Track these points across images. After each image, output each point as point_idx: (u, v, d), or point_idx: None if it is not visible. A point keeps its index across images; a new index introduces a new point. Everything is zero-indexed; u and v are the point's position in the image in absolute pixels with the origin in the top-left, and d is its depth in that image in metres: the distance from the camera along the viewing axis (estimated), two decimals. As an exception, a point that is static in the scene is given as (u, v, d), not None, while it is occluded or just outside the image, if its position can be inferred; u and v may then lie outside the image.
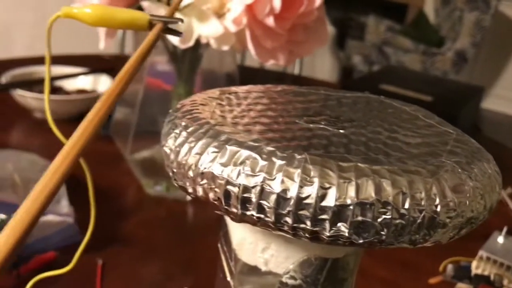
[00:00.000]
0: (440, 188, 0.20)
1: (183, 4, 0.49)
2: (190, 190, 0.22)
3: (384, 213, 0.19)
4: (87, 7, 0.25)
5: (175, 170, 0.23)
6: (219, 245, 0.27)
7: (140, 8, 0.54)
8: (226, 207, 0.21)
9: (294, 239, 0.21)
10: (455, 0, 2.69)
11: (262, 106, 0.26)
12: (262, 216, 0.20)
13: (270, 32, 0.51)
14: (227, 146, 0.21)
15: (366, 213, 0.19)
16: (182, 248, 0.53)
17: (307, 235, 0.20)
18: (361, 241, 0.20)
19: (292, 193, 0.19)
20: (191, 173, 0.21)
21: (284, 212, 0.20)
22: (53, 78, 0.82)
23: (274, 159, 0.20)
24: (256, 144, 0.21)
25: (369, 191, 0.19)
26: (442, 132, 0.25)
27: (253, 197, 0.20)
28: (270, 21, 0.50)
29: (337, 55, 2.95)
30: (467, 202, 0.21)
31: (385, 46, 2.73)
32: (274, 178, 0.20)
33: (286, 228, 0.20)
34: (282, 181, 0.19)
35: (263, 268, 0.24)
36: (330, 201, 0.19)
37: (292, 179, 0.19)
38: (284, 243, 0.23)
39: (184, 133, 0.23)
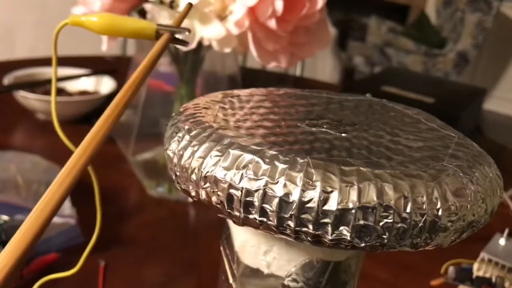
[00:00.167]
0: (441, 192, 0.20)
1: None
2: (193, 193, 0.22)
3: (386, 217, 0.19)
4: (94, 15, 0.25)
5: (178, 174, 0.23)
6: (221, 248, 0.28)
7: (143, 10, 0.54)
8: (228, 210, 0.21)
9: (296, 242, 0.21)
10: (456, 1, 2.69)
11: (264, 109, 0.26)
12: (264, 219, 0.20)
13: (272, 34, 0.51)
14: (230, 150, 0.21)
15: (368, 217, 0.19)
16: (184, 250, 0.53)
17: (309, 238, 0.20)
18: (363, 244, 0.20)
19: (294, 197, 0.19)
20: (194, 177, 0.22)
21: (287, 215, 0.20)
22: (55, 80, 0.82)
23: (276, 163, 0.20)
24: (259, 148, 0.21)
25: (371, 195, 0.19)
26: (444, 136, 0.25)
27: (256, 200, 0.20)
28: (272, 23, 0.50)
29: (338, 56, 2.95)
30: (469, 206, 0.21)
31: (386, 47, 2.73)
32: (277, 182, 0.20)
33: (288, 231, 0.20)
34: (285, 185, 0.20)
35: (265, 271, 0.25)
36: (332, 205, 0.19)
37: (294, 183, 0.20)
38: (286, 246, 0.24)
39: (187, 137, 0.23)
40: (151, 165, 0.66)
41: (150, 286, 0.49)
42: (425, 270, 0.53)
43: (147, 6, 0.52)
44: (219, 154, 0.21)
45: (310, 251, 0.23)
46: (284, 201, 0.20)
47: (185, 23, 0.50)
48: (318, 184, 0.19)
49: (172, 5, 0.50)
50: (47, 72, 0.84)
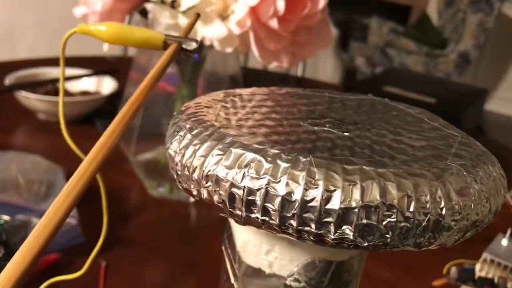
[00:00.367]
0: (445, 191, 0.20)
1: (187, 6, 0.49)
2: (194, 192, 0.22)
3: (389, 216, 0.19)
4: (102, 24, 0.26)
5: (179, 173, 0.23)
6: (223, 247, 0.27)
7: (144, 10, 0.54)
8: (230, 209, 0.21)
9: (298, 241, 0.21)
10: (458, 2, 2.69)
11: (266, 108, 0.26)
12: (266, 218, 0.20)
13: (273, 34, 0.51)
14: (232, 148, 0.21)
15: (371, 216, 0.19)
16: (186, 250, 0.53)
17: (311, 238, 0.20)
18: (365, 244, 0.20)
19: (296, 196, 0.19)
20: (195, 176, 0.21)
21: (289, 215, 0.20)
22: (56, 80, 0.82)
23: (279, 161, 0.20)
24: (261, 147, 0.21)
25: (374, 194, 0.19)
26: (447, 135, 0.25)
27: (258, 199, 0.20)
28: (273, 23, 0.50)
29: (340, 57, 2.95)
30: (472, 205, 0.21)
31: (388, 47, 2.73)
32: (279, 181, 0.20)
33: (290, 231, 0.20)
34: (287, 184, 0.19)
35: (267, 271, 0.24)
36: (335, 204, 0.19)
37: (297, 181, 0.19)
38: (288, 246, 0.23)
39: (188, 136, 0.23)
40: (152, 165, 0.66)
41: (151, 286, 0.49)
42: (428, 270, 0.53)
43: (149, 6, 0.52)
44: (221, 153, 0.21)
45: (313, 250, 0.23)
46: (286, 200, 0.19)
47: (187, 23, 0.50)
48: (320, 183, 0.19)
49: (173, 5, 0.50)
50: (48, 72, 0.84)
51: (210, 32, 0.50)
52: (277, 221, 0.20)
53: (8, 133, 0.74)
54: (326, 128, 0.24)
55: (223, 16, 0.50)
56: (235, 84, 0.65)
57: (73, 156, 0.33)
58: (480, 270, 0.51)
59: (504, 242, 0.53)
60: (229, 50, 0.51)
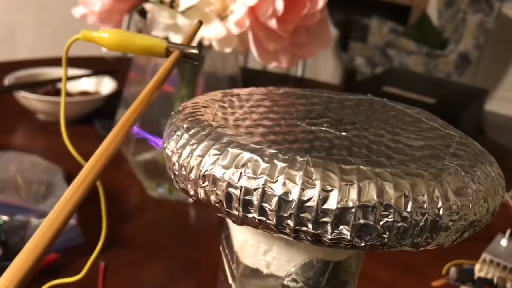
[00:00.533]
0: (442, 191, 0.20)
1: (185, 5, 0.49)
2: (191, 192, 0.22)
3: (386, 216, 0.19)
4: (105, 31, 0.26)
5: (176, 173, 0.23)
6: (220, 248, 0.27)
7: (143, 10, 0.54)
8: (227, 209, 0.21)
9: (296, 242, 0.20)
10: (458, 2, 2.69)
11: (264, 108, 0.26)
12: (263, 218, 0.20)
13: (272, 34, 0.51)
14: (228, 148, 0.21)
15: (368, 216, 0.19)
16: (185, 250, 0.53)
17: (308, 238, 0.20)
18: (363, 244, 0.20)
19: (293, 196, 0.19)
20: (192, 176, 0.21)
21: (286, 214, 0.19)
22: (56, 80, 0.82)
23: (276, 161, 0.20)
24: (258, 147, 0.21)
25: (371, 194, 0.19)
26: (445, 135, 0.25)
27: (255, 199, 0.20)
28: (272, 23, 0.50)
29: (340, 57, 2.95)
30: (470, 205, 0.21)
31: (388, 48, 2.73)
32: (276, 181, 0.20)
33: (287, 230, 0.20)
34: (284, 184, 0.19)
35: (265, 271, 0.24)
36: (332, 203, 0.19)
37: (294, 181, 0.19)
38: (286, 246, 0.23)
39: (185, 135, 0.22)
40: (151, 166, 0.66)
41: (150, 286, 0.48)
42: (427, 271, 0.53)
43: (148, 6, 0.52)
44: (217, 152, 0.21)
45: (310, 250, 0.23)
46: (283, 200, 0.19)
47: (186, 23, 0.50)
48: (317, 182, 0.19)
49: (172, 5, 0.49)
50: (48, 72, 0.84)
51: (209, 32, 0.50)
52: (274, 221, 0.20)
53: (8, 133, 0.74)
54: (323, 128, 0.24)
55: (222, 16, 0.50)
56: (234, 85, 0.65)
57: (73, 157, 0.33)
58: (480, 270, 0.51)
59: (504, 242, 0.53)
60: (228, 50, 0.51)
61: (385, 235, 0.19)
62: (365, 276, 0.50)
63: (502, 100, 3.02)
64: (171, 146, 0.23)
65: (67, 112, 0.76)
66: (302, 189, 0.19)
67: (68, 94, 0.82)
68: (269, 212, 0.20)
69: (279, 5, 0.49)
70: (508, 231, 0.54)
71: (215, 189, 0.21)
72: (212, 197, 0.21)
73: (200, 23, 0.28)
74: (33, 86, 0.79)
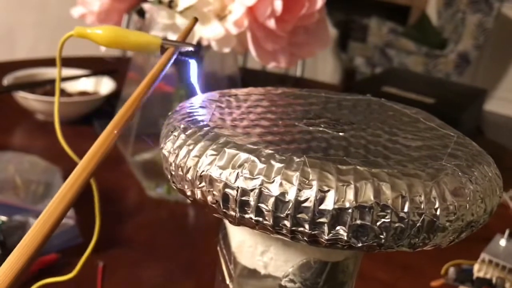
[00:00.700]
0: (440, 192, 0.20)
1: (184, 6, 0.49)
2: (188, 193, 0.22)
3: (383, 217, 0.19)
4: (99, 28, 0.26)
5: (173, 173, 0.22)
6: (218, 248, 0.27)
7: (142, 10, 0.54)
8: (224, 210, 0.21)
9: (293, 242, 0.20)
10: (457, 2, 2.69)
11: (262, 108, 0.26)
12: (260, 219, 0.20)
13: (271, 34, 0.51)
14: (225, 149, 0.21)
15: (365, 216, 0.19)
16: (184, 250, 0.53)
17: (305, 238, 0.20)
18: (360, 244, 0.19)
19: (290, 196, 0.19)
20: (189, 176, 0.21)
21: (283, 215, 0.19)
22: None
23: (272, 162, 0.20)
24: (255, 147, 0.21)
25: (368, 194, 0.19)
26: (442, 135, 0.25)
27: (252, 200, 0.20)
28: (271, 23, 0.50)
29: (339, 57, 2.95)
30: (467, 206, 0.21)
31: (387, 48, 2.73)
32: (273, 181, 0.19)
33: (284, 231, 0.20)
34: (281, 184, 0.19)
35: (262, 272, 0.24)
36: (328, 204, 0.19)
37: (290, 182, 0.19)
38: (283, 246, 0.23)
39: (182, 136, 0.22)
40: (150, 166, 0.66)
41: (149, 286, 0.48)
42: (425, 271, 0.53)
43: (146, 6, 0.52)
44: (214, 153, 0.21)
45: (307, 251, 0.23)
46: (280, 201, 0.19)
47: (184, 24, 0.50)
48: (314, 183, 0.19)
49: (170, 5, 0.49)
50: (47, 72, 0.84)
51: (208, 32, 0.50)
52: (271, 221, 0.20)
53: (6, 133, 0.74)
54: (321, 128, 0.24)
55: (221, 16, 0.50)
56: (233, 85, 0.65)
57: (71, 157, 0.33)
58: (478, 270, 0.51)
59: (502, 242, 0.53)
60: (226, 50, 0.51)
61: (382, 236, 0.19)
62: (363, 276, 0.50)
63: (501, 100, 3.02)
64: (168, 147, 0.23)
65: (66, 112, 0.76)
66: (299, 190, 0.19)
67: (67, 94, 0.82)
68: (266, 212, 0.20)
69: (278, 5, 0.49)
70: (507, 231, 0.54)
71: (211, 189, 0.21)
72: (209, 198, 0.21)
73: (196, 19, 0.28)
74: (32, 86, 0.79)
